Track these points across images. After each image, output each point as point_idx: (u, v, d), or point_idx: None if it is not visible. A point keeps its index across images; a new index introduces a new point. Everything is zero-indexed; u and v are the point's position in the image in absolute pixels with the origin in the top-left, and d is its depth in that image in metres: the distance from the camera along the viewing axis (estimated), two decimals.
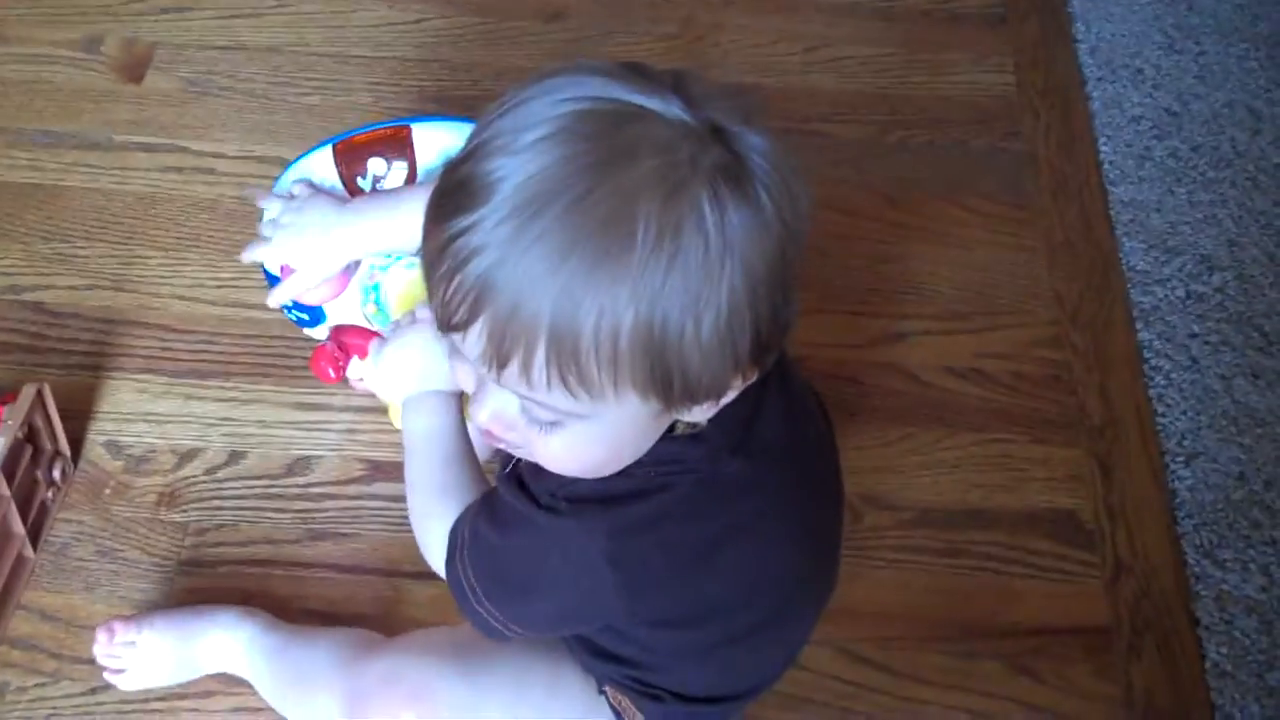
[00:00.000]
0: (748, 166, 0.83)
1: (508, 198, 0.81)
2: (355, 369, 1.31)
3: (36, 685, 1.37)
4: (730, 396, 0.92)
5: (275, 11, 2.01)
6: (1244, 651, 1.44)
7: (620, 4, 2.08)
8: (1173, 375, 1.66)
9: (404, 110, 1.88)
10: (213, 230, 1.74)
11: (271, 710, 1.34)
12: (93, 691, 1.37)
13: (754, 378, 0.92)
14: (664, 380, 0.85)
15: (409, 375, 1.19)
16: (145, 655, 1.35)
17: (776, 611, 1.11)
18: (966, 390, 1.65)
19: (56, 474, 1.47)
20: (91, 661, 1.36)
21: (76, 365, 1.60)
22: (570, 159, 0.81)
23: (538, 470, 0.99)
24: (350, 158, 1.39)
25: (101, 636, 1.35)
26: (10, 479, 1.37)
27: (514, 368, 0.84)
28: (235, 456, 1.54)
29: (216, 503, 1.50)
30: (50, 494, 1.47)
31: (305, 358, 1.59)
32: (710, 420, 0.95)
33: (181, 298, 1.67)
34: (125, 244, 1.72)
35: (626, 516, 0.96)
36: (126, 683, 1.36)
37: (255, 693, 1.35)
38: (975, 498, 1.55)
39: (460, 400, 1.18)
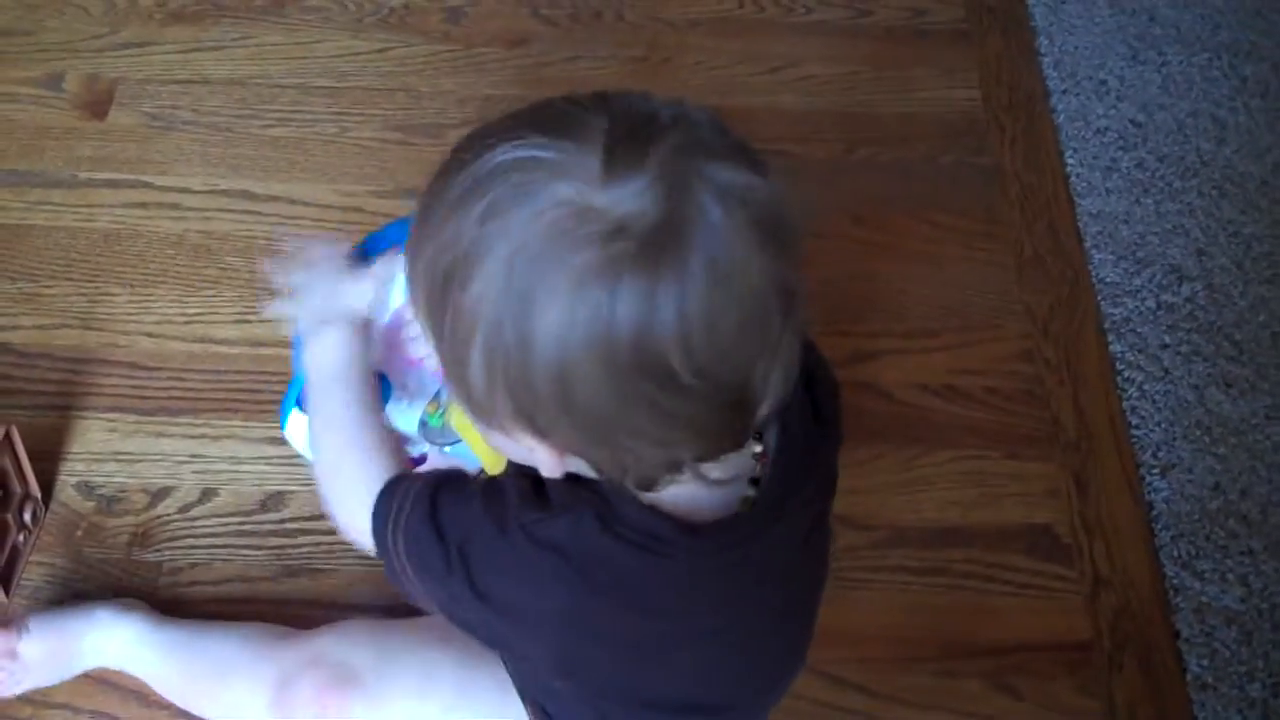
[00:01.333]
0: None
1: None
2: None
3: None
4: (548, 460, 0.89)
5: (237, 44, 2.00)
6: (1225, 663, 1.44)
7: (584, 28, 2.07)
8: (1145, 387, 1.66)
9: (370, 139, 1.88)
10: (179, 266, 1.73)
11: None
12: None
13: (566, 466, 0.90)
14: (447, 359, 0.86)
15: (313, 305, 1.18)
16: (25, 662, 1.35)
17: (712, 710, 1.11)
18: (940, 407, 1.65)
19: (27, 517, 1.45)
20: (66, 706, 1.36)
21: (45, 405, 1.59)
22: None
23: (527, 494, 0.97)
24: None
25: None
26: None
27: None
28: (207, 494, 1.52)
29: (190, 541, 1.49)
30: (22, 537, 1.45)
31: (275, 392, 1.58)
32: (695, 510, 0.94)
33: (150, 334, 1.65)
34: (92, 282, 1.71)
35: (591, 579, 0.95)
36: (6, 689, 1.36)
37: None
38: (951, 515, 1.55)
39: (364, 335, 1.18)
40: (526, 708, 1.20)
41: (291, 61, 1.99)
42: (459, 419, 1.23)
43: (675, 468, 0.88)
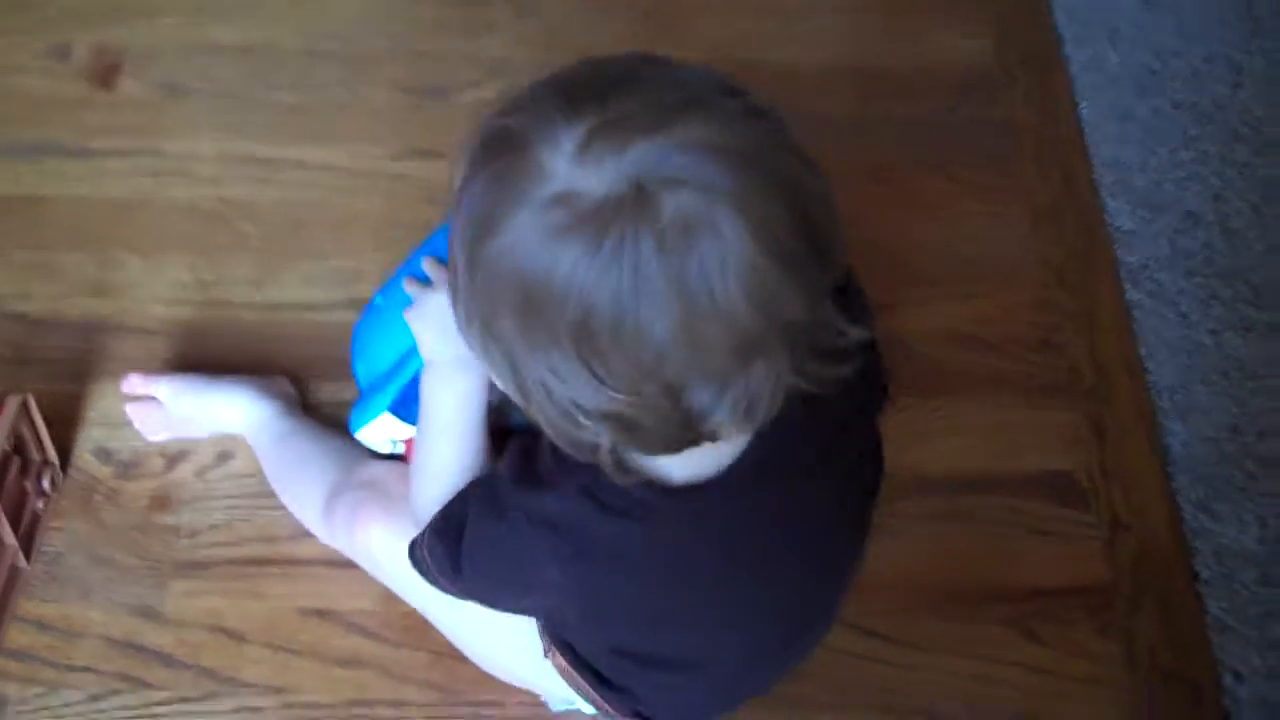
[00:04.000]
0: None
1: None
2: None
3: (37, 695, 1.36)
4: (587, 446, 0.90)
5: (245, 11, 2.00)
6: (1244, 604, 1.44)
7: None
8: (1162, 332, 1.66)
9: (380, 102, 1.88)
10: (191, 232, 1.73)
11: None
12: (94, 699, 1.36)
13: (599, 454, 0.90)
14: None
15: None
16: (168, 414, 1.51)
17: (723, 672, 1.15)
18: (959, 358, 1.65)
19: (46, 483, 1.46)
20: (89, 669, 1.38)
21: (61, 374, 1.59)
22: None
23: (520, 478, 1.01)
24: None
25: (125, 386, 1.53)
26: None
27: None
28: (223, 457, 1.53)
29: (208, 503, 1.49)
30: (41, 504, 1.46)
31: (290, 355, 1.59)
32: (698, 478, 0.96)
33: (162, 300, 1.66)
34: (104, 250, 1.71)
35: (585, 553, 0.99)
36: (149, 430, 1.53)
37: (255, 687, 1.37)
38: (971, 464, 1.55)
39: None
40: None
41: (300, 26, 1.98)
42: None
43: (589, 450, 0.89)
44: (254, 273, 1.69)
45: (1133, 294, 1.70)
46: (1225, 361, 1.63)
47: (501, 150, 0.83)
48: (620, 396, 0.83)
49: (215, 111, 1.87)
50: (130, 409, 1.52)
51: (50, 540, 1.46)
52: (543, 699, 1.33)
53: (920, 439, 1.56)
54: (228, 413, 1.50)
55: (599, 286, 0.79)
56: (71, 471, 1.51)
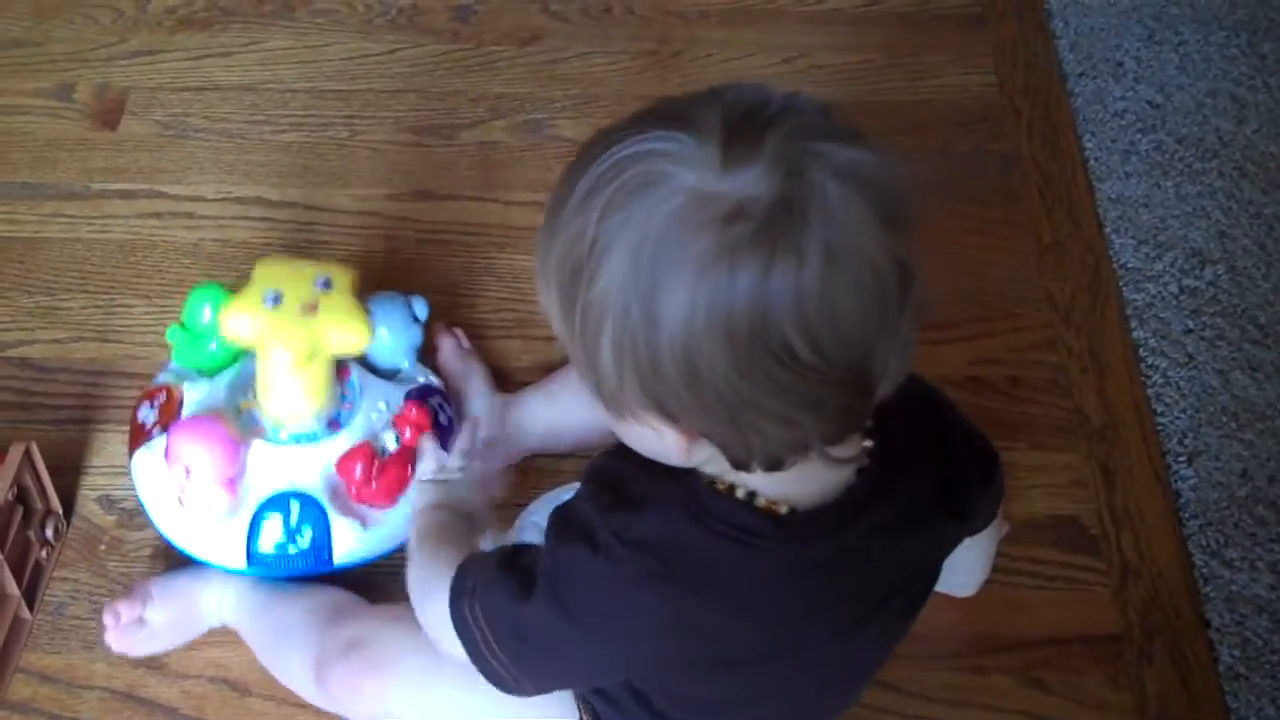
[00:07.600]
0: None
1: None
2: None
3: None
4: (677, 445, 0.90)
5: (247, 50, 2.00)
6: (1257, 652, 1.43)
7: (594, 23, 2.07)
8: (1170, 373, 1.65)
9: (382, 142, 1.88)
10: (195, 275, 1.72)
11: None
12: None
13: (693, 454, 0.91)
14: (578, 354, 0.89)
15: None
16: (153, 628, 1.39)
17: None
18: (963, 399, 1.61)
19: (49, 533, 1.45)
20: None
21: (65, 420, 1.58)
22: None
23: (610, 505, 0.99)
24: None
25: (109, 621, 1.38)
26: (1, 541, 1.36)
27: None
28: None
29: None
30: (44, 553, 1.45)
31: None
32: (800, 510, 0.96)
33: (166, 345, 1.64)
34: (108, 293, 1.70)
35: (682, 575, 0.96)
36: (138, 652, 1.40)
37: None
38: None
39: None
40: (579, 707, 1.21)
41: (302, 65, 1.98)
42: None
43: (802, 448, 0.90)
44: None
45: (1139, 333, 1.69)
46: (1233, 403, 1.62)
47: (637, 189, 0.83)
48: (842, 375, 0.85)
49: (218, 152, 1.86)
50: (111, 637, 1.38)
51: (53, 590, 1.45)
52: None
53: None
54: (213, 599, 1.41)
55: (806, 287, 0.81)
56: (75, 520, 1.50)
